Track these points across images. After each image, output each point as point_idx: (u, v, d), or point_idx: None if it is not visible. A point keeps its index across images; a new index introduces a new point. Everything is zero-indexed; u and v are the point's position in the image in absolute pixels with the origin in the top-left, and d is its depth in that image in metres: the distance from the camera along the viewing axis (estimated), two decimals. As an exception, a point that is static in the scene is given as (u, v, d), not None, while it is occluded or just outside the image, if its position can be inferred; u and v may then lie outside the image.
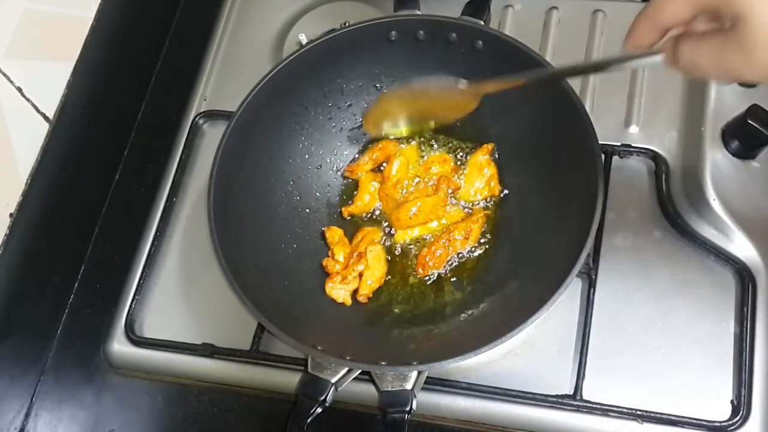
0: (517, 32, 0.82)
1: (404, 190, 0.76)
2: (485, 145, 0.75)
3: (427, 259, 0.71)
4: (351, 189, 0.78)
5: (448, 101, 0.67)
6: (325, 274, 0.73)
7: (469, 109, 0.66)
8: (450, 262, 0.72)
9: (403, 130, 0.72)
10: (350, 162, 0.78)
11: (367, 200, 0.76)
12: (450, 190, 0.74)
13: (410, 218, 0.73)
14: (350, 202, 0.76)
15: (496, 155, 0.75)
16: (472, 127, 0.75)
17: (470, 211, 0.74)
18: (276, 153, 0.74)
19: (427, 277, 0.72)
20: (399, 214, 0.73)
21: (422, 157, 0.77)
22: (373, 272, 0.71)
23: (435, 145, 0.77)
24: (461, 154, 0.77)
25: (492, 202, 0.74)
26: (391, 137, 0.76)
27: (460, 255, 0.72)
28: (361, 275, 0.71)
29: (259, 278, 0.67)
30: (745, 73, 0.44)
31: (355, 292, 0.71)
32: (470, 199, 0.74)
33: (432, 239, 0.73)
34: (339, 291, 0.71)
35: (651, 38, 0.49)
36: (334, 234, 0.74)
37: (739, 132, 0.69)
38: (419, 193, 0.75)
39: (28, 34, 0.72)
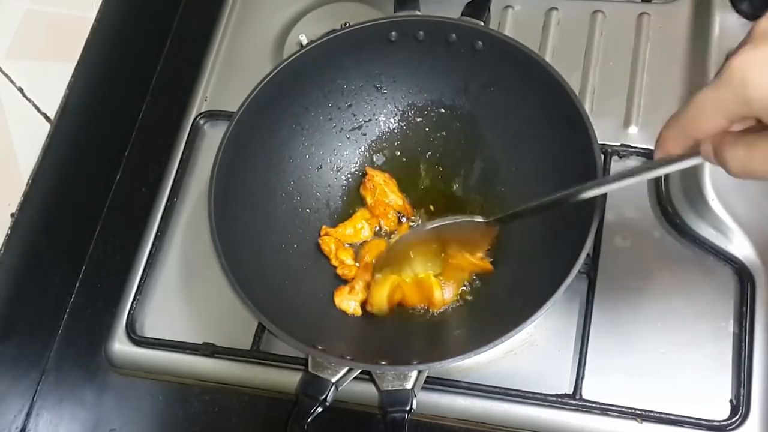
0: (517, 33, 0.82)
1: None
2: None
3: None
4: (351, 189, 0.78)
5: (463, 239, 0.68)
6: (327, 274, 0.73)
7: (488, 242, 0.67)
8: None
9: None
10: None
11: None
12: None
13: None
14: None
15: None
16: (466, 133, 0.76)
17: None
18: (276, 153, 0.74)
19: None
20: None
21: None
22: (377, 298, 0.70)
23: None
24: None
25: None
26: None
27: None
28: (368, 285, 0.71)
29: (259, 278, 0.67)
30: None
31: (364, 302, 0.71)
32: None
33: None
34: (349, 302, 0.71)
35: (682, 147, 0.46)
36: (329, 243, 0.73)
37: (739, 132, 0.70)
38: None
39: (30, 35, 0.72)
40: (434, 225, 0.67)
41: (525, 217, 0.62)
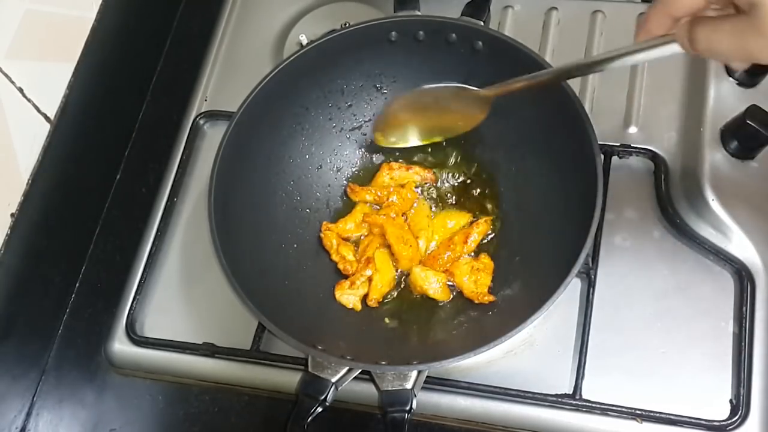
0: (517, 33, 0.82)
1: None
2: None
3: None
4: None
5: (458, 109, 0.68)
6: (327, 274, 0.73)
7: (479, 118, 0.67)
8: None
9: (413, 141, 0.73)
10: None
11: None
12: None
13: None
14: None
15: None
16: (465, 136, 0.75)
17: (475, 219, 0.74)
18: (276, 153, 0.74)
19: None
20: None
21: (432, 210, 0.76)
22: (383, 276, 0.71)
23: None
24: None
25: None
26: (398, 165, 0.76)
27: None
28: (370, 280, 0.71)
29: (259, 278, 0.67)
30: (765, 57, 0.44)
31: (364, 297, 0.71)
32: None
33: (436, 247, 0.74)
34: (348, 297, 0.71)
35: (664, 27, 0.50)
36: (330, 238, 0.74)
37: (738, 132, 0.70)
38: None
39: (30, 35, 0.72)
40: (429, 87, 0.68)
41: (517, 92, 0.63)
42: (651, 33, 0.50)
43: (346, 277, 0.72)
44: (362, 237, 0.75)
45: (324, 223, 0.75)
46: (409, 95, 0.71)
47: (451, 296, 0.71)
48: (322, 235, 0.74)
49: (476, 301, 0.69)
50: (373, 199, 0.76)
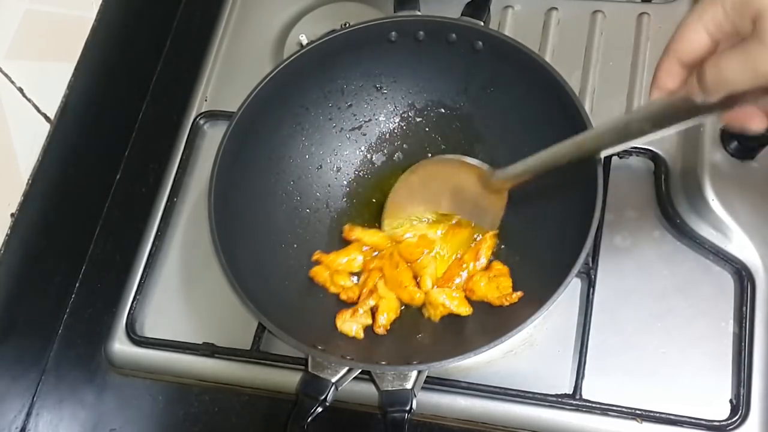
0: (517, 32, 0.82)
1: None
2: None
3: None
4: (352, 189, 0.78)
5: (471, 189, 0.68)
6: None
7: (499, 205, 0.68)
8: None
9: (422, 222, 0.71)
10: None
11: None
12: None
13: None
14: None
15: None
16: (465, 133, 0.76)
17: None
18: (276, 153, 0.74)
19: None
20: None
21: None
22: (389, 303, 0.69)
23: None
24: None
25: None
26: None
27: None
28: (373, 310, 0.69)
29: (259, 278, 0.67)
30: None
31: (370, 325, 0.69)
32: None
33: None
34: (351, 325, 0.68)
35: (675, 77, 0.48)
36: (321, 273, 0.71)
37: (738, 132, 0.70)
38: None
39: (30, 35, 0.72)
40: (439, 157, 0.69)
41: (535, 173, 0.63)
42: (663, 88, 0.49)
43: (348, 305, 0.70)
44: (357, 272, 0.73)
45: (316, 252, 0.72)
46: (420, 166, 0.72)
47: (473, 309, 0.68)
48: (311, 272, 0.72)
49: (507, 304, 0.66)
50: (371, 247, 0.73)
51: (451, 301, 0.68)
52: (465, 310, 0.68)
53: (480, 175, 0.69)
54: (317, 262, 0.72)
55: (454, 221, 0.73)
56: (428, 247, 0.72)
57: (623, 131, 0.53)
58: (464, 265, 0.70)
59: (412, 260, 0.71)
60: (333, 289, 0.71)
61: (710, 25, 0.45)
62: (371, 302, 0.69)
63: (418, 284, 0.70)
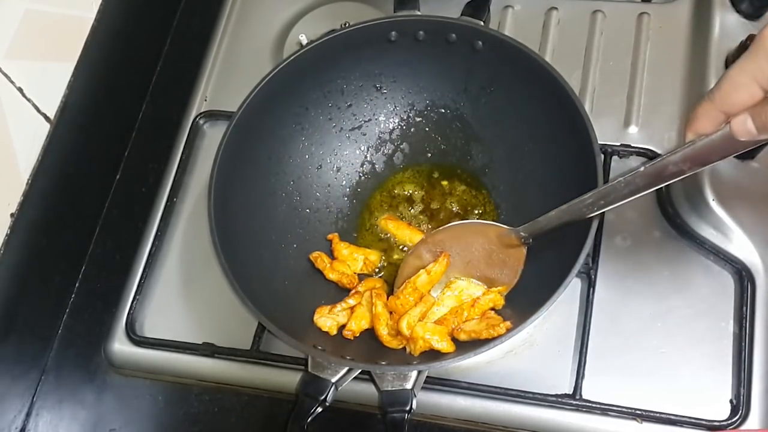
0: (517, 32, 0.82)
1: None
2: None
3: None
4: (351, 190, 0.78)
5: (486, 249, 0.67)
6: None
7: (517, 258, 0.66)
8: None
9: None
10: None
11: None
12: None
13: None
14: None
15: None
16: (465, 133, 0.76)
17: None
18: (276, 153, 0.74)
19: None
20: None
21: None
22: (365, 315, 0.67)
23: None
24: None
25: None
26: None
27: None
28: (352, 310, 0.68)
29: (259, 278, 0.67)
30: None
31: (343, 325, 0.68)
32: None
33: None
34: (325, 320, 0.67)
35: (715, 125, 0.48)
36: (323, 258, 0.71)
37: (738, 132, 0.70)
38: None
39: (29, 35, 0.72)
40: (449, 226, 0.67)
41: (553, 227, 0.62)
42: (700, 132, 0.48)
43: (328, 302, 0.69)
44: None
45: (315, 252, 0.73)
46: (440, 231, 0.69)
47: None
48: (312, 256, 0.72)
49: (495, 336, 0.60)
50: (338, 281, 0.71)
51: (432, 335, 0.62)
52: (446, 346, 0.62)
53: (498, 233, 0.67)
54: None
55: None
56: (425, 306, 0.66)
57: (659, 175, 0.53)
58: (459, 312, 0.65)
59: (398, 312, 0.66)
60: (331, 276, 0.71)
61: (759, 77, 0.44)
62: (351, 302, 0.68)
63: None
